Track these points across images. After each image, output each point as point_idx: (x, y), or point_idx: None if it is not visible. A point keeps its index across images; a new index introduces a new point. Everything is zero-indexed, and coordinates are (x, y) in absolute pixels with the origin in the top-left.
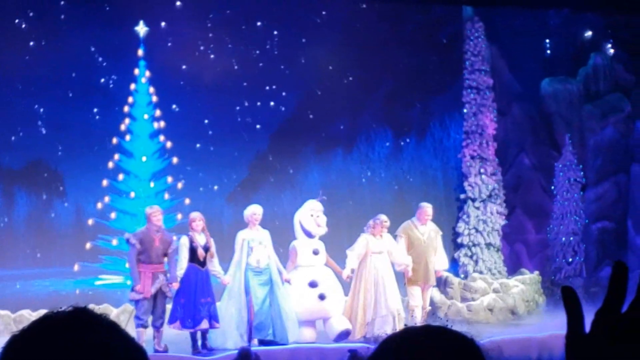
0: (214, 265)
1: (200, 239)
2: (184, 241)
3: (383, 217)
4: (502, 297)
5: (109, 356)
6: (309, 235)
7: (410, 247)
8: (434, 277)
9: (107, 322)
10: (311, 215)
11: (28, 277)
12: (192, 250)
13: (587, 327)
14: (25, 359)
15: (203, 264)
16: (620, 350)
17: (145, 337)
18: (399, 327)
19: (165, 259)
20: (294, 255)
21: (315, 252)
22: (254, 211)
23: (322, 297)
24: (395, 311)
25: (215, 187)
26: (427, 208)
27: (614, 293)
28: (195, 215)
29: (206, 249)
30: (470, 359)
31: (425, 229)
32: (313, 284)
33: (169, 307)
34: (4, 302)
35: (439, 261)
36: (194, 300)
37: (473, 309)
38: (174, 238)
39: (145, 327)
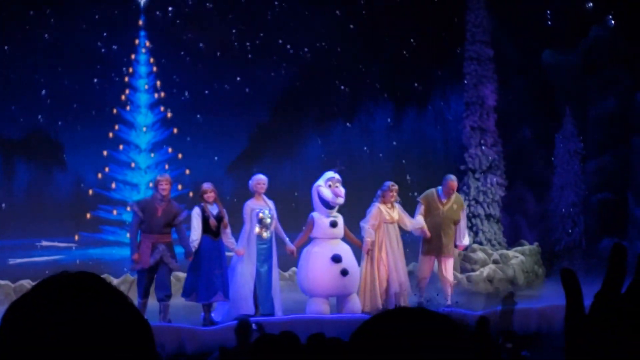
0: (228, 237)
1: (212, 209)
2: (196, 212)
3: (390, 183)
4: (502, 268)
5: (111, 323)
6: (328, 205)
7: (427, 215)
8: (450, 249)
9: (112, 288)
10: (329, 185)
11: (28, 247)
12: (204, 221)
13: (587, 302)
14: (27, 320)
15: (216, 234)
16: (619, 331)
17: (146, 308)
18: (404, 300)
19: (168, 230)
20: (310, 227)
21: (333, 224)
22: (258, 180)
23: (344, 272)
24: (402, 284)
25: (216, 158)
26: (452, 182)
27: (613, 274)
28: (207, 186)
29: (219, 219)
30: (446, 339)
31: (448, 200)
32: (337, 259)
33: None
34: (4, 272)
35: (459, 235)
36: (208, 272)
37: (473, 280)
38: (183, 211)
39: (145, 297)
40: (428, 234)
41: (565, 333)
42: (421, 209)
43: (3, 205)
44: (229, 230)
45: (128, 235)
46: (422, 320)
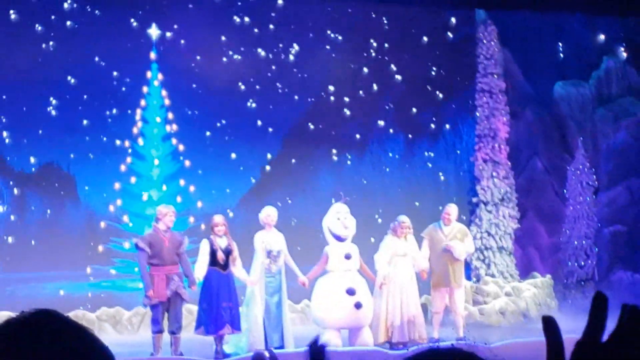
0: (238, 269)
1: (221, 242)
2: (204, 244)
3: (402, 218)
4: (514, 301)
5: (72, 357)
6: (339, 238)
7: (433, 249)
8: (459, 281)
9: (72, 324)
10: (338, 218)
11: (40, 279)
12: (213, 254)
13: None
14: None
15: (224, 267)
16: None
17: (161, 342)
18: (418, 333)
19: (177, 259)
20: (324, 260)
21: (348, 257)
22: (268, 213)
23: (358, 305)
24: (414, 317)
25: (228, 190)
26: (448, 207)
27: (594, 323)
28: (219, 219)
29: (227, 252)
30: None
31: (450, 230)
32: (351, 292)
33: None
34: (16, 305)
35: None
36: (216, 305)
37: (485, 313)
38: (185, 239)
39: (161, 332)
40: (424, 277)
41: None
42: (425, 243)
43: (15, 238)
44: (238, 263)
45: (136, 270)
46: None
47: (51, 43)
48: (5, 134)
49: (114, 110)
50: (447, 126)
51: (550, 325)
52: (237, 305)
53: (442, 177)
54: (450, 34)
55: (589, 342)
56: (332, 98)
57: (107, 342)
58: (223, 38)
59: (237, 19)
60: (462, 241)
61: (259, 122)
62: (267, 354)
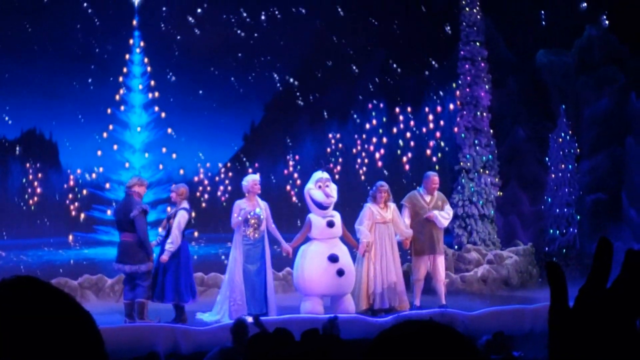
0: (169, 238)
1: (170, 210)
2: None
3: (380, 183)
4: (496, 269)
5: (53, 323)
6: (321, 206)
7: (415, 217)
8: (441, 247)
9: (52, 290)
10: (319, 186)
11: (22, 247)
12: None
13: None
14: None
15: (165, 235)
16: (603, 325)
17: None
18: (399, 300)
19: None
20: (307, 228)
21: (330, 224)
22: (254, 180)
23: (340, 272)
24: (395, 284)
25: (210, 158)
26: (434, 177)
27: (598, 269)
28: (173, 186)
29: (168, 219)
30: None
31: (432, 198)
32: (334, 258)
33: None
34: None
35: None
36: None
37: (467, 280)
38: None
39: (150, 297)
40: (407, 245)
41: (549, 326)
42: (406, 211)
43: None
44: (171, 231)
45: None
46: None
47: (33, 10)
48: None
49: (96, 78)
50: (430, 94)
51: (554, 272)
52: (163, 276)
53: (424, 145)
54: (433, 1)
55: (593, 287)
56: (313, 66)
57: (89, 309)
58: (205, 5)
59: None
60: (442, 209)
61: (242, 90)
62: (249, 319)
